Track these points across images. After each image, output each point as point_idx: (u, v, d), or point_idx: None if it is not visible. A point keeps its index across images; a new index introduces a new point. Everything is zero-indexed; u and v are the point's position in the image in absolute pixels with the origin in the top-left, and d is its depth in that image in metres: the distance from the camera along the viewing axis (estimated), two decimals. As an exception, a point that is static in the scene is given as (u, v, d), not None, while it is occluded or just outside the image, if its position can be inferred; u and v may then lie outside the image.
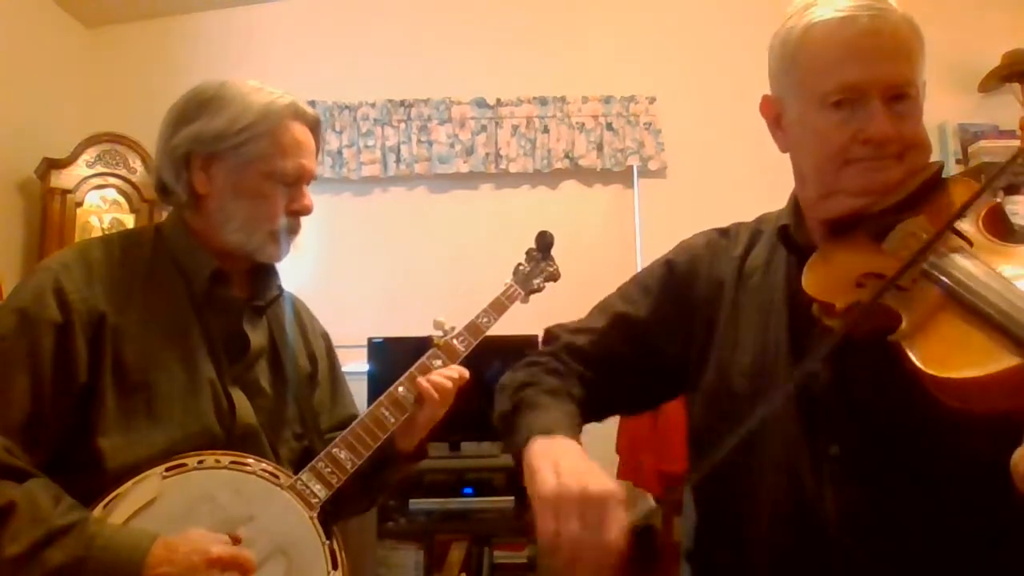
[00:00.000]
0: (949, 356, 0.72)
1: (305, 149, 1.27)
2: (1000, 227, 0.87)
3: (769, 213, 1.12)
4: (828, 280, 0.88)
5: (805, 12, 0.95)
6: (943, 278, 0.79)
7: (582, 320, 1.15)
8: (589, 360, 1.09)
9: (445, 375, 1.32)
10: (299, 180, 1.27)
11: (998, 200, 0.87)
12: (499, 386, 1.11)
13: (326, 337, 1.47)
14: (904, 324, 0.78)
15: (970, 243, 0.83)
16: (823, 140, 0.93)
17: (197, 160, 1.23)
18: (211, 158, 1.23)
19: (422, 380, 1.30)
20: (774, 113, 1.02)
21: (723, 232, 1.13)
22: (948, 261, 0.80)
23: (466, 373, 1.35)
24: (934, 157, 0.95)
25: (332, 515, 1.23)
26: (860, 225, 0.92)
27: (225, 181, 1.23)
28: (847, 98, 0.91)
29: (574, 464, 0.86)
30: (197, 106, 1.24)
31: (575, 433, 0.94)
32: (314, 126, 1.31)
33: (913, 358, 0.74)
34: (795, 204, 1.04)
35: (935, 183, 0.92)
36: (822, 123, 0.93)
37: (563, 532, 0.79)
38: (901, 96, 0.91)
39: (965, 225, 0.85)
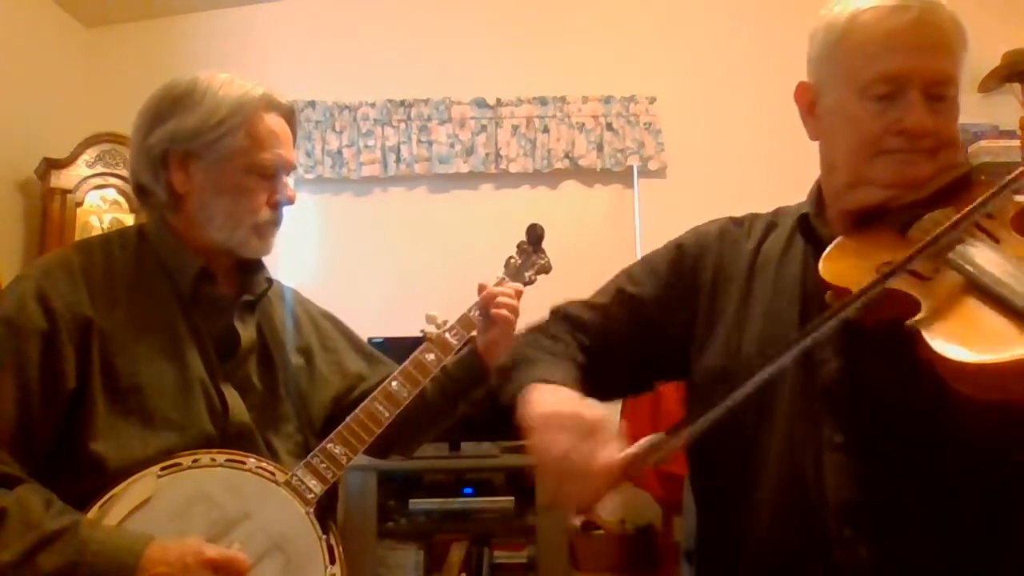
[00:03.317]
0: (967, 341, 0.71)
1: (282, 139, 1.26)
2: None
3: (786, 207, 1.10)
4: (846, 267, 0.86)
5: None
6: (966, 265, 0.78)
7: (588, 298, 1.13)
8: (591, 333, 1.07)
9: (508, 294, 1.38)
10: (279, 171, 1.26)
11: None
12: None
13: (328, 316, 1.46)
14: (923, 311, 0.77)
15: (997, 240, 0.82)
16: (858, 128, 0.92)
17: (175, 159, 1.22)
18: (188, 156, 1.22)
19: (499, 310, 1.35)
20: (808, 100, 1.01)
21: (737, 222, 1.12)
22: (972, 251, 0.79)
23: (520, 287, 1.43)
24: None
25: (404, 444, 1.34)
26: (885, 217, 0.91)
27: (204, 178, 1.22)
28: (888, 88, 0.90)
29: (574, 396, 0.87)
30: (170, 104, 1.23)
31: (577, 390, 0.93)
32: (288, 116, 1.29)
33: (930, 342, 0.73)
34: (818, 194, 1.03)
35: (964, 183, 0.91)
36: (859, 111, 0.92)
37: (553, 446, 0.79)
38: (941, 93, 0.90)
39: (994, 226, 0.83)
